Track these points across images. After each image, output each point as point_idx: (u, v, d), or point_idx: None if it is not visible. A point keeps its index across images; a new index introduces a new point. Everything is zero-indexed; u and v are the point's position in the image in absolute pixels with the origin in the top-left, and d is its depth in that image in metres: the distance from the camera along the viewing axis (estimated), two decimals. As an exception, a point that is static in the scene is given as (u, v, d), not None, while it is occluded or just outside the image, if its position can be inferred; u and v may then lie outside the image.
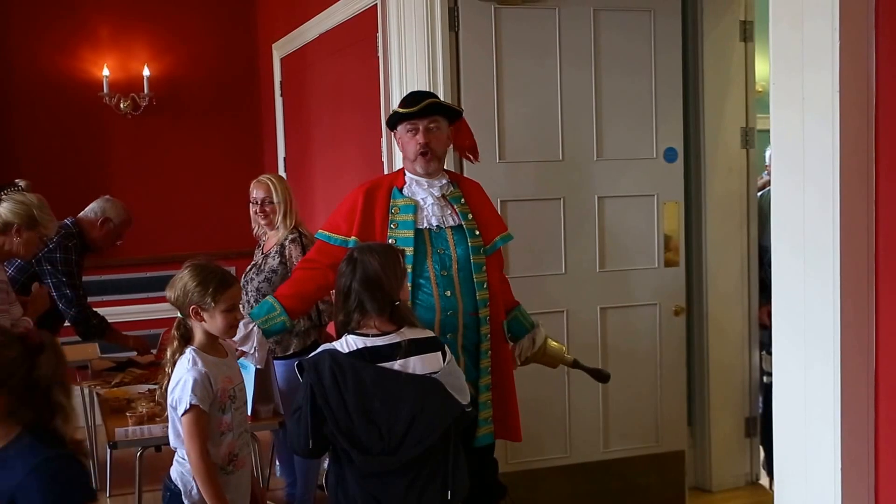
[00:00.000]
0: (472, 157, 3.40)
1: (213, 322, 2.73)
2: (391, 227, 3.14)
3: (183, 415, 2.69)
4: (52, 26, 6.09)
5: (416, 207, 3.17)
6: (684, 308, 4.22)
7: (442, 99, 3.36)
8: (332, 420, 2.49)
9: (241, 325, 3.08)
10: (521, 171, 3.90)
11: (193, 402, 2.66)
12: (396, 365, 2.56)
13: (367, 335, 2.57)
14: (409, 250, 3.08)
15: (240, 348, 3.17)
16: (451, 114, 3.26)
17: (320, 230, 3.31)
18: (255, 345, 3.16)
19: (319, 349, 2.64)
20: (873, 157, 2.20)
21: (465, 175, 3.52)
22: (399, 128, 3.22)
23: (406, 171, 3.25)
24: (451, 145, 3.36)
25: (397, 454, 2.50)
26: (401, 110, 3.20)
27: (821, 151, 2.23)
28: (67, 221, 4.48)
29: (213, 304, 2.71)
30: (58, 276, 4.23)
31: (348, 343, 2.55)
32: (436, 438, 2.55)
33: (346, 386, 2.49)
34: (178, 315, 2.79)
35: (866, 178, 2.21)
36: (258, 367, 3.36)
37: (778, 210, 2.41)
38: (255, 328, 3.17)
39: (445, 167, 3.35)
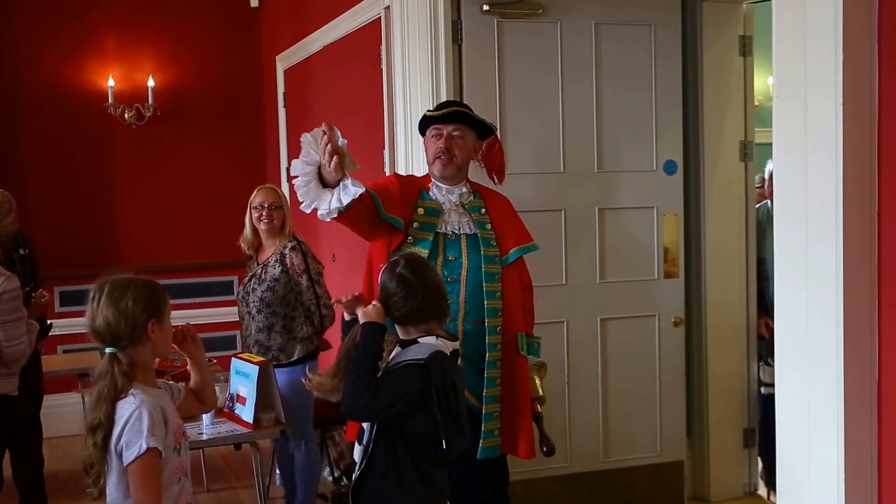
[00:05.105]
0: (496, 178, 3.44)
1: (164, 336, 2.34)
2: (413, 226, 3.18)
3: (133, 461, 2.23)
4: (59, 37, 6.15)
5: (440, 211, 3.22)
6: (683, 319, 4.25)
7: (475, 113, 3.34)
8: (449, 414, 2.56)
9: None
10: (523, 182, 3.92)
11: (152, 445, 2.22)
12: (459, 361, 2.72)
13: (447, 339, 2.65)
14: (425, 252, 3.12)
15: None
16: (480, 129, 3.30)
17: (369, 188, 3.09)
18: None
19: (431, 350, 2.56)
20: (876, 175, 2.22)
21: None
22: (427, 132, 3.30)
23: (431, 177, 3.32)
24: (481, 162, 3.40)
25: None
26: (430, 113, 3.28)
27: (824, 169, 2.25)
28: None
29: (165, 314, 2.33)
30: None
31: (445, 345, 2.62)
32: None
33: (457, 384, 2.60)
34: (108, 350, 2.29)
35: (869, 194, 2.22)
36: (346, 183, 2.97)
37: (781, 227, 2.42)
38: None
39: (474, 181, 3.38)
